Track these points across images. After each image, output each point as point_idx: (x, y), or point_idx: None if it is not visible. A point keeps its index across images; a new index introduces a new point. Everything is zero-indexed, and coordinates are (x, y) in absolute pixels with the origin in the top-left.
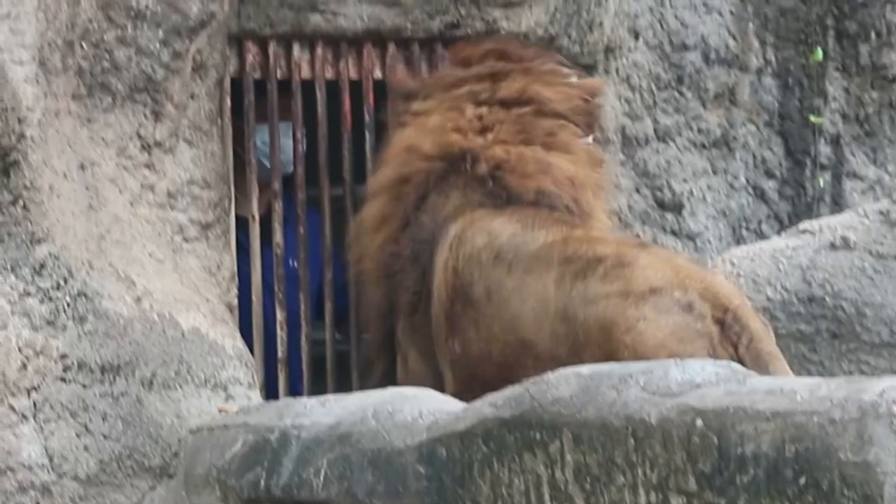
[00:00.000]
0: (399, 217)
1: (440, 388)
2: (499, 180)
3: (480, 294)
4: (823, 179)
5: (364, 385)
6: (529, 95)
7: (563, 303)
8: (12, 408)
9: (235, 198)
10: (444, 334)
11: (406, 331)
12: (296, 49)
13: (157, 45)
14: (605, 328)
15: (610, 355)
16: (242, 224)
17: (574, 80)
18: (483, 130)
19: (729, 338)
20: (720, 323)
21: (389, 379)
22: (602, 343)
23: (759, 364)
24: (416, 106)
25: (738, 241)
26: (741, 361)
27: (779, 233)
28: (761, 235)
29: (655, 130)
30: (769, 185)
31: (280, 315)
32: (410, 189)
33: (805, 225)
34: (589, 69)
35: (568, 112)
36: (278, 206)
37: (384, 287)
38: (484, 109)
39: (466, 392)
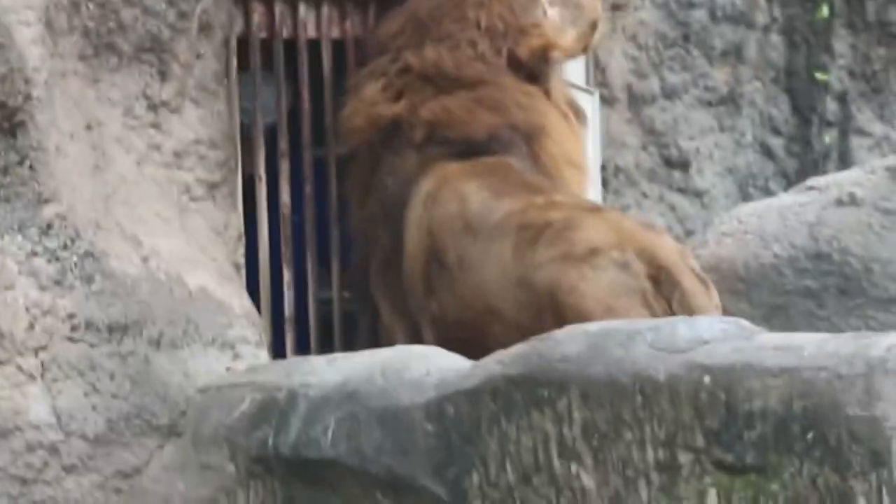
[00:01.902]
0: (358, 187)
1: (414, 342)
2: (440, 138)
3: (453, 261)
4: (830, 136)
5: (349, 341)
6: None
7: (520, 270)
8: (20, 368)
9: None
10: (421, 292)
11: (379, 286)
12: (301, 8)
13: (164, 5)
14: (551, 291)
15: (559, 317)
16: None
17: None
18: (398, 96)
19: (662, 293)
20: (654, 279)
21: (374, 334)
22: (551, 306)
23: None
24: (353, 78)
25: (746, 198)
26: (670, 314)
27: (786, 189)
28: (768, 192)
29: (662, 88)
30: (776, 142)
31: (287, 274)
32: (360, 162)
33: (812, 181)
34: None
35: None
36: (285, 166)
37: (361, 248)
38: (394, 77)
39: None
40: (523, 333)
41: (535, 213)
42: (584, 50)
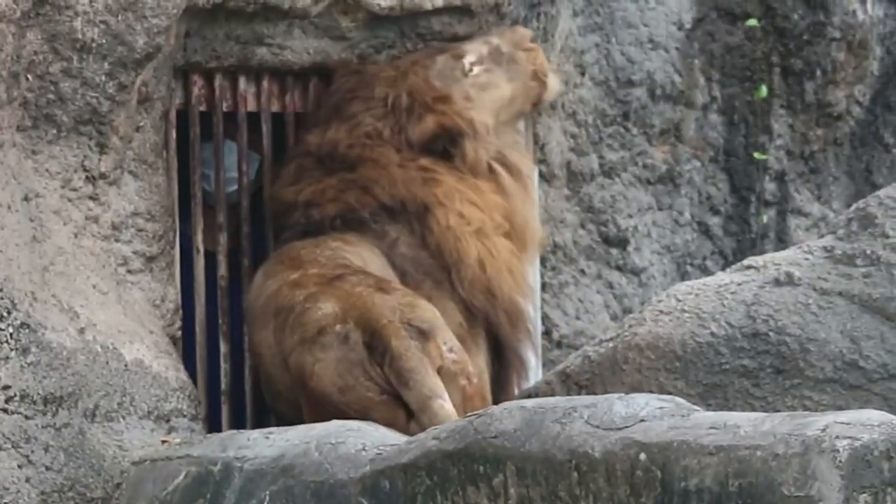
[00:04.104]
0: None
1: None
2: (304, 219)
3: (253, 349)
4: (768, 216)
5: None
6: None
7: (281, 355)
8: None
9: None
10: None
11: None
12: (242, 82)
13: (103, 78)
14: (300, 376)
15: (309, 401)
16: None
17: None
18: (296, 179)
19: (375, 359)
20: (368, 346)
21: None
22: (303, 390)
23: (401, 381)
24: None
25: (683, 276)
26: (388, 380)
27: (723, 269)
28: (706, 271)
29: (601, 166)
30: (714, 221)
31: (224, 347)
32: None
33: (749, 261)
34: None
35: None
36: (223, 239)
37: None
38: (299, 159)
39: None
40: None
41: (286, 292)
42: (534, 105)
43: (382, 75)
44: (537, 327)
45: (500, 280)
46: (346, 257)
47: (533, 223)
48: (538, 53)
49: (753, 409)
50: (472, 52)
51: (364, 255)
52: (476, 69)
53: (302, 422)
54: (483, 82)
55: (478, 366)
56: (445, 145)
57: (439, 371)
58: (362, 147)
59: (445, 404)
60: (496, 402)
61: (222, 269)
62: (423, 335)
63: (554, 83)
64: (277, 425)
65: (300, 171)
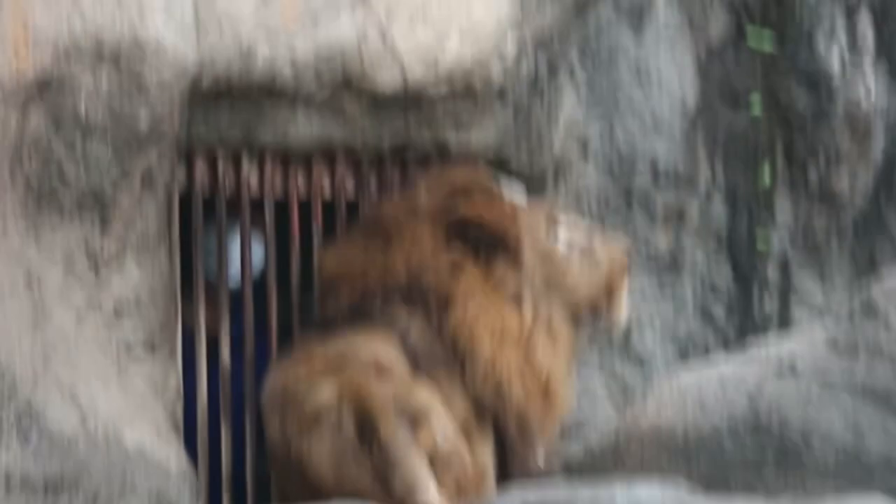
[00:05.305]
0: None
1: None
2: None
3: None
4: (771, 303)
5: None
6: None
7: (285, 444)
8: None
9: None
10: None
11: None
12: (245, 165)
13: (107, 161)
14: (299, 464)
15: (310, 488)
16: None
17: None
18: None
19: (365, 445)
20: (360, 432)
21: None
22: (303, 478)
23: (387, 468)
24: None
25: (686, 364)
26: (377, 467)
27: (726, 357)
28: (709, 359)
29: None
30: (717, 308)
31: (225, 433)
32: None
33: (752, 350)
34: (538, 189)
35: None
36: (225, 324)
37: None
38: None
39: None
40: None
41: (292, 383)
42: (591, 311)
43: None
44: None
45: (511, 386)
46: (355, 347)
47: (557, 382)
48: (624, 278)
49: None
50: (570, 228)
51: (375, 345)
52: (562, 242)
53: None
54: (559, 255)
55: (480, 456)
56: (479, 245)
57: (432, 458)
58: (401, 218)
59: (429, 495)
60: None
61: (224, 355)
62: (416, 421)
63: (622, 315)
64: None
65: (344, 240)
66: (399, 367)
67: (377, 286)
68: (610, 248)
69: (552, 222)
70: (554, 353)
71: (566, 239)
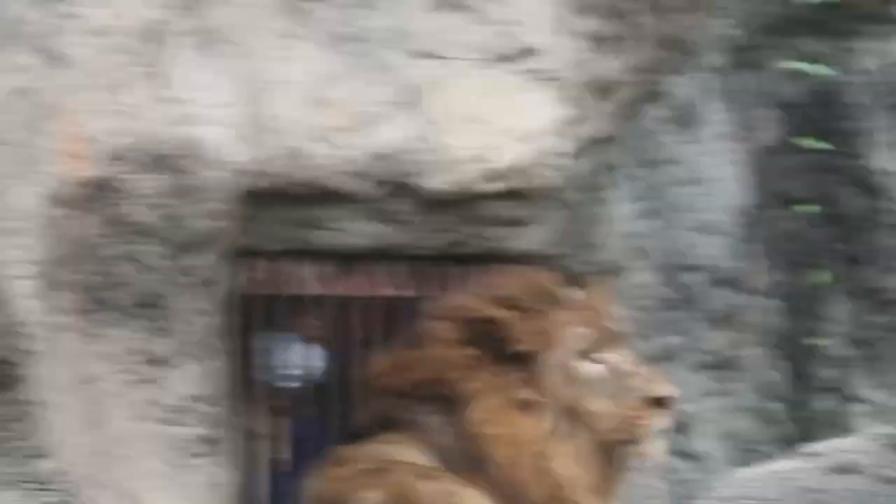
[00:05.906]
0: None
1: None
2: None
3: None
4: (829, 403)
5: None
6: None
7: None
8: None
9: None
10: None
11: None
12: (304, 266)
13: (164, 261)
14: None
15: None
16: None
17: None
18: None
19: None
20: None
21: None
22: None
23: None
24: None
25: (745, 462)
26: None
27: (785, 455)
28: (768, 458)
29: (663, 350)
30: (775, 407)
31: None
32: None
33: (812, 448)
34: (593, 289)
35: None
36: (286, 424)
37: None
38: None
39: None
40: None
41: (334, 487)
42: (626, 440)
43: None
44: None
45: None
46: (391, 453)
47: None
48: (657, 415)
49: None
50: (610, 355)
51: (407, 452)
52: (595, 361)
53: None
54: (583, 378)
55: None
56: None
57: None
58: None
59: None
60: None
61: (285, 454)
62: None
63: (659, 448)
64: None
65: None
66: (438, 469)
67: (403, 386)
68: (650, 374)
69: (591, 343)
70: (576, 465)
71: (598, 366)
